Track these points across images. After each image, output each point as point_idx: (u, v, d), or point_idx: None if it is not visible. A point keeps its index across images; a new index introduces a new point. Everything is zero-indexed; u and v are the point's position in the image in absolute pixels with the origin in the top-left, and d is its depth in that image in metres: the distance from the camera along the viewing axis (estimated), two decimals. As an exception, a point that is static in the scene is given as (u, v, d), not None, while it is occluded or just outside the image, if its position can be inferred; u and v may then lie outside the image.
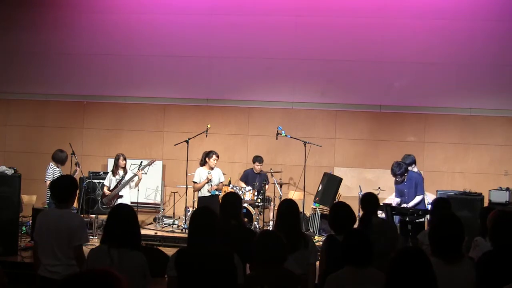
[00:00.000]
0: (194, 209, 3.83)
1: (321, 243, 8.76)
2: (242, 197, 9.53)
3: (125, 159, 9.22)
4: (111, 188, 9.11)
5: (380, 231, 5.08)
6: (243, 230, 4.78)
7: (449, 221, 3.74)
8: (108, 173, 9.53)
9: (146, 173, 9.56)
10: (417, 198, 8.15)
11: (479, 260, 3.79)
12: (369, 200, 5.39)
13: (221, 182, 9.45)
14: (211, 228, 3.70)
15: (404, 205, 8.10)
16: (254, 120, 11.18)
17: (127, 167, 9.40)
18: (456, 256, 3.61)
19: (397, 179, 8.24)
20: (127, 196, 9.14)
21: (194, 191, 9.49)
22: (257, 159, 10.09)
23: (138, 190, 9.55)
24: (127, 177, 9.13)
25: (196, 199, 9.59)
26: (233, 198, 4.95)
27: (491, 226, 3.91)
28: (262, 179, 10.06)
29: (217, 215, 3.94)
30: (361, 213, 5.55)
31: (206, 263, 3.54)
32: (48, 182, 8.87)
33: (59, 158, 9.06)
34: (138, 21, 11.37)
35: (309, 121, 10.96)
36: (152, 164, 9.56)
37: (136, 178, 9.18)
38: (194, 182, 9.32)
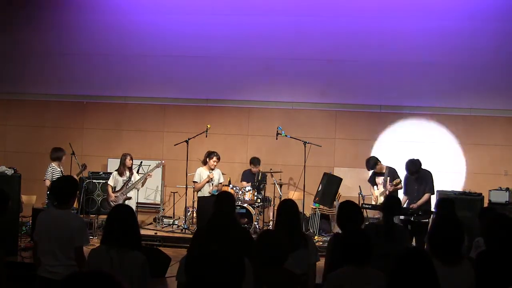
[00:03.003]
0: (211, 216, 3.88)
1: (321, 243, 8.82)
2: (242, 197, 9.59)
3: (131, 158, 9.16)
4: (117, 189, 9.05)
5: (401, 234, 5.10)
6: (237, 229, 4.78)
7: (448, 222, 3.74)
8: (111, 173, 9.44)
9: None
10: (425, 197, 8.14)
11: (476, 260, 3.80)
12: (396, 204, 5.36)
13: (221, 183, 9.44)
14: (224, 232, 3.69)
15: (413, 205, 8.10)
16: (254, 120, 11.18)
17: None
18: (455, 257, 3.61)
19: (413, 177, 8.23)
20: (134, 198, 9.10)
21: (194, 191, 9.47)
22: (253, 161, 10.10)
23: (138, 190, 9.53)
24: (136, 178, 9.07)
25: (196, 199, 9.59)
26: (226, 197, 4.97)
27: (486, 229, 3.93)
28: (260, 179, 10.06)
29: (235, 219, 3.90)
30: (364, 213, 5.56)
31: (217, 267, 3.51)
32: (47, 181, 8.86)
33: (57, 156, 9.05)
34: (138, 21, 11.36)
35: (309, 121, 10.95)
36: (160, 165, 9.52)
37: (145, 179, 9.13)
38: (195, 182, 9.30)
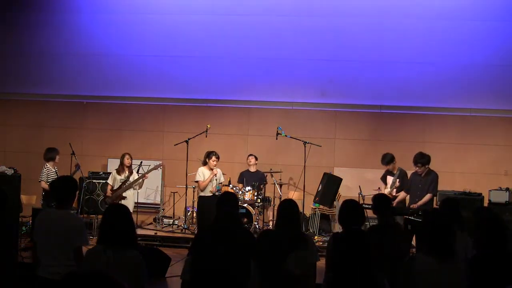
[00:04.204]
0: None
1: (321, 243, 8.82)
2: (241, 197, 9.58)
3: (130, 158, 9.12)
4: (115, 188, 9.05)
5: (397, 232, 5.10)
6: (242, 231, 4.77)
7: (439, 220, 3.75)
8: (110, 172, 9.44)
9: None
10: (426, 197, 8.13)
11: (470, 263, 3.81)
12: (385, 201, 5.35)
13: (221, 183, 9.43)
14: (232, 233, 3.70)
15: (413, 205, 8.11)
16: (254, 120, 11.18)
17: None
18: (447, 255, 3.62)
19: (418, 171, 8.23)
20: (131, 198, 9.09)
21: (200, 189, 9.25)
22: (249, 155, 10.17)
23: (137, 191, 9.50)
24: (133, 178, 9.05)
25: (196, 199, 9.58)
26: (229, 198, 4.94)
27: (475, 229, 3.95)
28: (260, 178, 10.06)
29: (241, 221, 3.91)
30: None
31: (223, 269, 3.51)
32: (43, 182, 8.89)
33: (51, 157, 9.07)
34: (138, 21, 11.37)
35: (309, 121, 10.95)
36: (158, 168, 9.50)
37: (141, 180, 9.11)
38: (197, 181, 9.19)
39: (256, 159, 10.22)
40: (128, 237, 3.78)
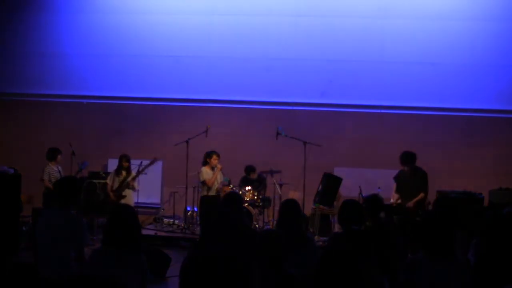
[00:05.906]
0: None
1: (321, 243, 8.81)
2: (242, 197, 9.58)
3: (127, 160, 9.17)
4: (114, 188, 9.09)
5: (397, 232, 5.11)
6: (244, 229, 4.78)
7: (437, 219, 3.76)
8: (110, 173, 9.48)
9: (146, 173, 9.52)
10: (420, 196, 8.12)
11: (470, 263, 3.83)
12: (378, 201, 5.33)
13: (221, 182, 9.44)
14: (229, 233, 3.69)
15: (409, 204, 8.10)
16: (254, 120, 11.17)
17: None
18: (447, 254, 3.62)
19: (405, 169, 8.21)
20: (131, 197, 9.12)
21: (210, 186, 9.19)
22: (252, 169, 10.11)
23: (138, 190, 9.53)
24: (128, 179, 9.12)
25: (197, 199, 9.57)
26: (233, 198, 4.95)
27: (485, 229, 3.96)
28: (260, 181, 10.07)
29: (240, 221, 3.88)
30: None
31: (222, 269, 3.49)
32: (45, 180, 8.90)
33: (52, 156, 9.10)
34: (138, 21, 11.37)
35: (309, 121, 10.96)
36: (155, 163, 9.52)
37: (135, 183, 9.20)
38: (203, 181, 9.13)
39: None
40: (132, 238, 3.76)
